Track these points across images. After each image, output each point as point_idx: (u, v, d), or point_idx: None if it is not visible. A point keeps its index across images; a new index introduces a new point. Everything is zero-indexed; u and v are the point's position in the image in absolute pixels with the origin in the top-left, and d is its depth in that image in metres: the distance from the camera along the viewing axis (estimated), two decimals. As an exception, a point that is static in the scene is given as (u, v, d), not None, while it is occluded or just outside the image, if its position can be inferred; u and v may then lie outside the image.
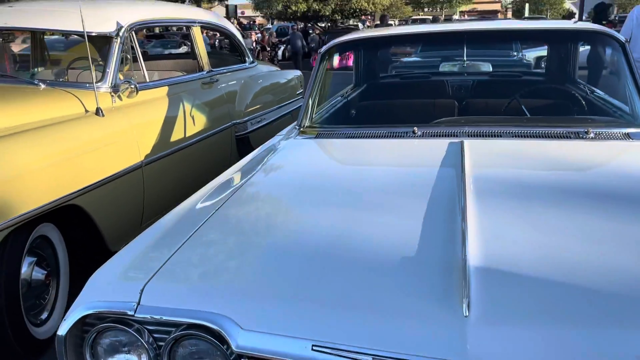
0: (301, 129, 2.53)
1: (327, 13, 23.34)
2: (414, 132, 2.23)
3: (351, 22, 28.73)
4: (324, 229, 1.49)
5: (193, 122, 3.61)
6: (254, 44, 18.61)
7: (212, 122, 3.85)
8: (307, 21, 25.42)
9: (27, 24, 3.14)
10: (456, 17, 50.91)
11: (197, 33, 3.96)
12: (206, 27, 4.13)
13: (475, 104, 2.86)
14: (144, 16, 3.42)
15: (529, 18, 22.37)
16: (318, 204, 1.69)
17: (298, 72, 5.65)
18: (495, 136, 2.15)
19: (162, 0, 5.22)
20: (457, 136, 2.15)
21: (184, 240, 1.50)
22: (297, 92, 5.48)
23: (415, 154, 2.11)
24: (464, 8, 55.42)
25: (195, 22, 3.98)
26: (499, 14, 60.01)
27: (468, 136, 2.14)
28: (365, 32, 2.97)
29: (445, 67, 3.21)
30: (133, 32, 3.27)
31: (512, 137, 2.14)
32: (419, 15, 46.49)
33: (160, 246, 1.52)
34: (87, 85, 3.04)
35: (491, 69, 3.28)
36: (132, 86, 3.05)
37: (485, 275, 1.17)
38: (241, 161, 2.28)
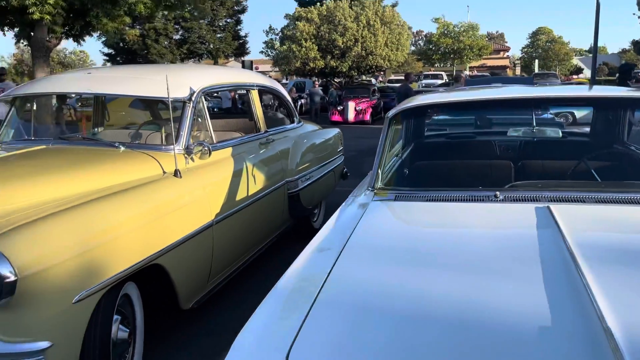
0: (375, 191, 2.61)
1: (344, 69, 24.01)
2: (495, 196, 2.30)
3: (363, 77, 29.52)
4: (448, 296, 1.53)
5: (254, 181, 3.72)
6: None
7: (269, 180, 3.97)
8: (324, 77, 26.14)
9: (109, 90, 3.33)
10: (467, 72, 52.02)
11: (255, 96, 4.14)
12: (262, 89, 4.32)
13: (543, 166, 2.95)
14: (213, 81, 3.60)
15: (539, 75, 22.80)
16: (430, 268, 1.74)
17: (337, 130, 5.81)
18: (578, 201, 2.22)
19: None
20: (539, 200, 2.22)
21: (311, 305, 1.54)
22: (338, 150, 5.62)
23: (505, 218, 2.17)
24: (473, 64, 56.68)
25: (253, 86, 4.18)
26: (507, 70, 61.24)
27: (551, 201, 2.20)
28: (439, 97, 3.10)
29: (515, 131, 3.32)
30: (203, 96, 3.44)
31: (595, 202, 2.20)
32: (430, 70, 47.56)
33: (290, 311, 1.57)
34: (163, 147, 3.19)
35: (560, 135, 3.39)
36: (206, 148, 3.19)
37: (635, 345, 1.20)
38: (328, 224, 2.34)
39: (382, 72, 34.62)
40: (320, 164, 4.96)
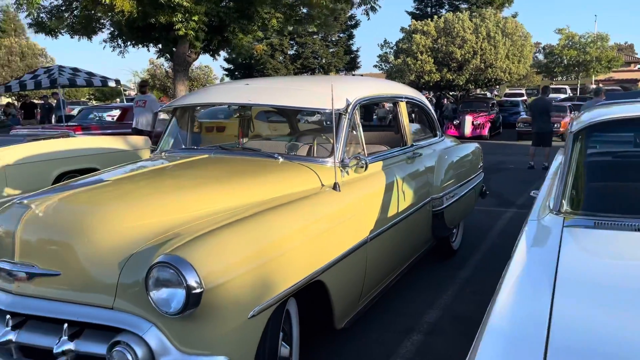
0: (563, 215, 2.30)
1: (461, 82, 23.22)
2: None
3: (478, 90, 28.34)
4: None
5: (404, 197, 3.53)
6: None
7: (417, 197, 3.76)
8: (439, 90, 25.48)
9: (269, 101, 3.34)
10: (593, 86, 48.15)
11: (403, 108, 3.97)
12: (409, 101, 4.14)
13: None
14: (367, 92, 3.49)
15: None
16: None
17: (476, 145, 5.46)
18: None
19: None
20: None
21: (544, 352, 1.32)
22: (479, 166, 5.28)
23: None
24: (600, 77, 52.48)
25: (402, 97, 4.01)
26: (639, 84, 55.90)
27: None
28: (629, 111, 2.71)
29: None
30: (356, 109, 3.32)
31: None
32: (551, 84, 44.68)
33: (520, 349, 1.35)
34: (320, 159, 3.10)
35: None
36: (363, 162, 3.06)
37: None
38: (520, 253, 2.08)
39: (497, 86, 33.15)
40: (463, 180, 4.66)
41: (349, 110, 3.19)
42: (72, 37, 9.68)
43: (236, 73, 39.46)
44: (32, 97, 21.56)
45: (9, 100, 37.82)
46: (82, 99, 41.81)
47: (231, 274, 2.00)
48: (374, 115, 19.54)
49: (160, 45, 9.22)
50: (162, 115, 9.04)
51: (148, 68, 38.13)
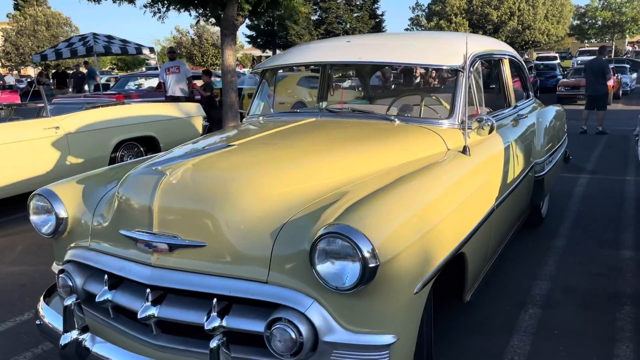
0: None
1: (498, 46, 22.45)
2: None
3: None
4: None
5: (517, 162, 3.30)
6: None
7: (525, 162, 3.52)
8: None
9: (385, 59, 3.09)
10: (629, 47, 46.51)
11: (507, 65, 3.69)
12: (511, 59, 3.85)
13: None
14: (480, 48, 3.22)
15: None
16: None
17: (559, 107, 5.14)
18: None
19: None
20: None
21: None
22: (565, 130, 4.98)
23: None
24: (635, 38, 50.52)
25: (506, 54, 3.72)
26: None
27: None
28: None
29: None
30: (474, 65, 3.06)
31: None
32: (584, 46, 43.17)
33: None
34: (440, 121, 2.87)
35: None
36: (488, 123, 2.82)
37: None
38: None
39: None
40: (557, 144, 4.39)
41: (466, 67, 2.94)
42: (114, 2, 9.40)
43: (258, 40, 38.86)
44: (57, 67, 21.45)
45: (39, 70, 38.02)
46: (103, 69, 41.72)
47: (400, 244, 1.81)
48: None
49: (204, 9, 8.93)
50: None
51: (174, 35, 37.76)
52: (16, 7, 39.80)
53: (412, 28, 28.22)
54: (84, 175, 2.69)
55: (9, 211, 5.77)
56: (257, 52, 41.30)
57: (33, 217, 2.49)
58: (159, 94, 12.02)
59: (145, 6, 10.20)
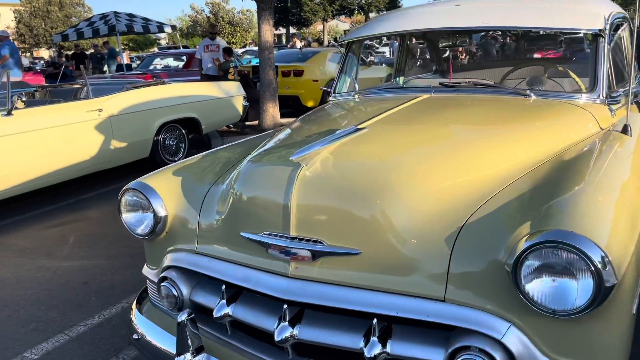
0: None
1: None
2: None
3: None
4: None
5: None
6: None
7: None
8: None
9: (514, 23, 2.66)
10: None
11: (627, 31, 3.23)
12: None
13: None
14: (615, 8, 2.77)
15: None
16: None
17: None
18: None
19: None
20: None
21: None
22: None
23: None
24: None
25: (627, 18, 3.26)
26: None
27: None
28: None
29: None
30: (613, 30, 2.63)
31: None
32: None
33: None
34: (579, 95, 2.46)
35: None
36: (641, 98, 2.40)
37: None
38: None
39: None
40: None
41: (608, 30, 2.51)
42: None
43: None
44: (77, 47, 21.02)
45: (50, 52, 37.65)
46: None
47: (627, 253, 1.43)
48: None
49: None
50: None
51: (189, 14, 37.10)
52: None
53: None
54: (178, 166, 2.33)
55: (56, 198, 5.47)
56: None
57: (126, 215, 2.14)
58: (187, 73, 11.64)
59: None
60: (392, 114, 2.21)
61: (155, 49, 31.51)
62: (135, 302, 2.33)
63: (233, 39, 35.97)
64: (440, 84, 2.66)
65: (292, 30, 43.71)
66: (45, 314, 3.17)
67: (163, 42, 41.56)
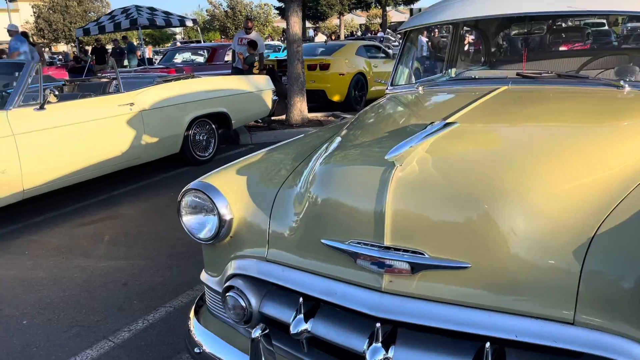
0: None
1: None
2: None
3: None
4: None
5: None
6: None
7: None
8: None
9: (603, 7, 2.42)
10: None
11: None
12: None
13: None
14: None
15: None
16: None
17: None
18: None
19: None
20: None
21: None
22: None
23: None
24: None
25: None
26: None
27: None
28: None
29: None
30: None
31: None
32: None
33: None
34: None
35: None
36: None
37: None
38: None
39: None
40: None
41: None
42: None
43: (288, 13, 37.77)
44: (97, 41, 21.03)
45: (68, 47, 37.83)
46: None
47: None
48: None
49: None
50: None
51: (207, 8, 36.98)
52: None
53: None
54: (241, 164, 2.14)
55: (86, 195, 5.34)
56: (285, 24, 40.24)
57: (187, 218, 1.96)
58: (210, 67, 11.51)
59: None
60: (476, 107, 2.00)
61: (178, 43, 31.50)
62: (192, 311, 2.16)
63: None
64: (517, 74, 2.43)
65: (307, 24, 43.49)
66: (86, 317, 3.02)
67: (178, 37, 41.53)
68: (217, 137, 6.55)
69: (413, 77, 3.10)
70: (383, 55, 11.80)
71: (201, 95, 6.14)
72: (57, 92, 4.63)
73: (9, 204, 4.40)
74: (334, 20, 52.53)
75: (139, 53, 17.49)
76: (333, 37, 21.73)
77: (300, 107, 8.29)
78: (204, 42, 20.16)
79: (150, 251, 3.92)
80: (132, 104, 5.29)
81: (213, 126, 6.43)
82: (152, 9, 14.46)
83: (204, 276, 2.11)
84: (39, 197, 4.79)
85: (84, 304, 3.19)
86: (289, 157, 2.18)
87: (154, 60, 18.43)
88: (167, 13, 14.71)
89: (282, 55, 12.31)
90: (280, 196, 1.86)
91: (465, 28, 3.86)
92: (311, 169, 1.83)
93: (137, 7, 14.08)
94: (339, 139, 2.07)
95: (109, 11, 14.86)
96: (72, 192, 5.31)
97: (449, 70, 3.70)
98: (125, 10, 14.33)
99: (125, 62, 18.38)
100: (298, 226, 1.72)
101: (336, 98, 10.18)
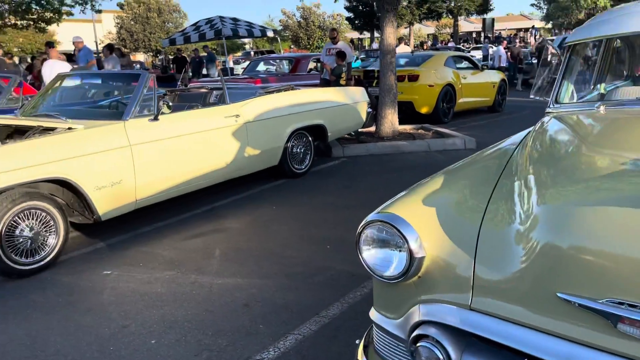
0: None
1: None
2: None
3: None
4: None
5: None
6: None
7: None
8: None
9: None
10: None
11: None
12: None
13: None
14: None
15: None
16: None
17: None
18: None
19: None
20: None
21: None
22: None
23: None
24: None
25: None
26: None
27: None
28: None
29: None
30: None
31: None
32: None
33: None
34: None
35: None
36: None
37: None
38: None
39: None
40: None
41: None
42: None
43: (356, 22, 37.76)
44: (178, 51, 21.76)
45: (146, 56, 39.55)
46: (201, 54, 42.76)
47: None
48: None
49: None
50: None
51: (280, 19, 37.62)
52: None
53: (539, 3, 25.81)
54: (423, 192, 1.91)
55: (189, 205, 5.33)
56: (355, 35, 40.26)
57: (370, 253, 1.75)
58: (294, 77, 11.49)
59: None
60: None
61: (252, 53, 32.23)
62: (360, 350, 1.95)
63: (322, 43, 36.03)
64: None
65: (376, 34, 43.31)
66: (214, 341, 2.89)
67: (247, 47, 42.42)
68: (313, 150, 6.42)
69: (575, 94, 2.78)
70: (471, 66, 11.38)
71: (301, 108, 6.03)
72: (170, 103, 4.62)
73: (122, 214, 4.42)
74: (401, 30, 52.10)
75: (218, 62, 17.89)
76: (425, 47, 21.37)
77: (391, 120, 8.04)
78: (279, 52, 20.37)
79: (264, 269, 3.79)
80: (237, 116, 5.23)
81: (310, 138, 6.30)
82: (235, 19, 14.70)
83: (375, 315, 1.90)
84: (143, 207, 4.80)
85: (208, 324, 3.07)
86: (474, 184, 1.93)
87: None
88: (249, 24, 14.92)
89: (355, 66, 12.09)
90: (487, 234, 1.61)
91: (617, 42, 3.50)
92: (528, 205, 1.57)
93: (221, 18, 14.35)
94: (539, 168, 1.80)
95: (194, 22, 15.21)
96: (174, 203, 5.30)
97: (598, 85, 3.34)
98: (209, 21, 14.63)
99: (204, 71, 18.88)
100: (520, 273, 1.46)
101: (424, 110, 9.86)
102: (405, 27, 50.38)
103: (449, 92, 10.17)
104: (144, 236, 4.59)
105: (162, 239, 4.49)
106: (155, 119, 4.49)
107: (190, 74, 18.26)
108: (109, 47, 12.12)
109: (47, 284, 3.68)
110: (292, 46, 35.81)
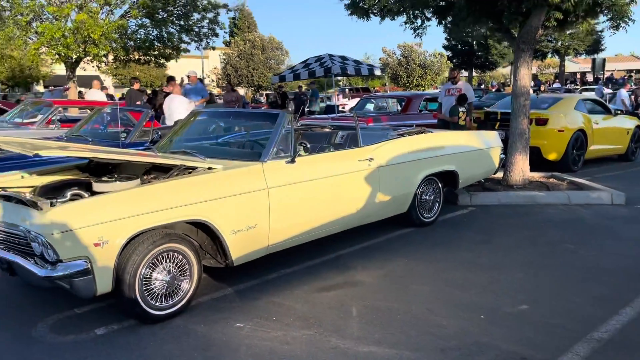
0: None
1: None
2: None
3: None
4: None
5: None
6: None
7: None
8: None
9: None
10: None
11: None
12: None
13: None
14: None
15: None
16: None
17: None
18: None
19: None
20: None
21: None
22: None
23: None
24: None
25: None
26: None
27: None
28: None
29: None
30: None
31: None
32: None
33: None
34: None
35: None
36: None
37: None
38: None
39: None
40: None
41: None
42: (382, 18, 8.65)
43: (454, 60, 36.99)
44: (280, 88, 22.31)
45: (247, 91, 41.14)
46: (291, 90, 43.60)
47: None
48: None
49: (495, 22, 7.62)
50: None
51: (381, 57, 37.84)
52: (231, 34, 43.74)
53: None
54: None
55: (313, 252, 5.00)
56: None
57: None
58: (405, 117, 11.12)
59: (405, 22, 9.30)
60: None
61: (347, 90, 32.55)
62: None
63: (422, 82, 35.61)
64: None
65: (474, 73, 42.17)
66: None
67: (341, 84, 42.83)
68: (442, 197, 5.93)
69: None
70: (603, 110, 10.40)
71: (433, 152, 5.61)
72: (308, 145, 4.39)
73: (253, 259, 4.18)
74: (499, 70, 50.35)
75: (320, 99, 17.99)
76: (543, 89, 20.38)
77: (522, 167, 7.38)
78: (375, 90, 20.16)
79: (413, 339, 3.33)
80: (371, 159, 4.91)
81: (440, 185, 5.84)
82: (343, 57, 14.72)
83: None
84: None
85: (362, 406, 2.66)
86: None
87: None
88: (357, 62, 14.88)
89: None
90: None
91: None
92: None
93: (330, 56, 14.42)
94: None
95: (303, 60, 15.43)
96: (298, 248, 5.02)
97: None
98: (319, 59, 14.76)
99: (307, 108, 19.10)
100: None
101: (552, 157, 9.04)
102: (505, 67, 48.70)
103: (580, 138, 9.29)
104: (272, 284, 4.31)
105: (292, 290, 4.19)
106: (292, 161, 4.26)
107: (293, 109, 18.54)
108: (230, 83, 12.46)
109: (180, 333, 3.47)
110: (385, 84, 35.66)
